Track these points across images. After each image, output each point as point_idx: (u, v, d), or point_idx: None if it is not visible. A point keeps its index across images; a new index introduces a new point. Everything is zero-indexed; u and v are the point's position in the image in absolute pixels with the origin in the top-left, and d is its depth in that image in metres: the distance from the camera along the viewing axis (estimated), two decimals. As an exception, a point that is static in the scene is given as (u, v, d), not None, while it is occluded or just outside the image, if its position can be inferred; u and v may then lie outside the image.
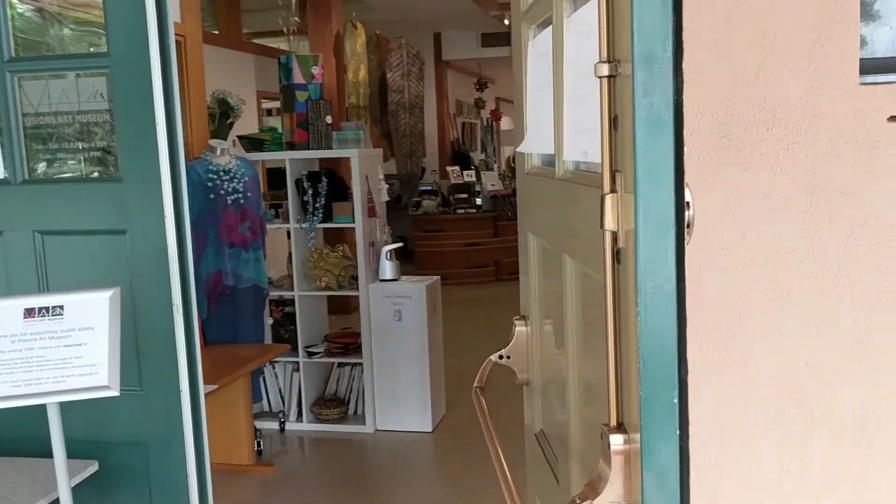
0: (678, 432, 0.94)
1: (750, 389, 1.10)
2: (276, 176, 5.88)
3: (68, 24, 3.51)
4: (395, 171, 9.07)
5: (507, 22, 9.61)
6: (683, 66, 0.92)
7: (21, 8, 3.46)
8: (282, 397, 4.59)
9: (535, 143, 1.62)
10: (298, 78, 4.38)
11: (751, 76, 1.07)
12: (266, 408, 4.59)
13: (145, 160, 2.06)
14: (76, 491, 1.86)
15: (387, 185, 4.57)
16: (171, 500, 2.15)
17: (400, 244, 4.51)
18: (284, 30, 5.10)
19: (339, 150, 4.35)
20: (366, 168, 4.37)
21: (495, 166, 13.95)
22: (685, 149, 0.93)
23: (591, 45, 1.23)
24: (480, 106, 12.51)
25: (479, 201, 9.29)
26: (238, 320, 4.15)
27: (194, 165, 3.90)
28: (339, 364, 4.59)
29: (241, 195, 4.05)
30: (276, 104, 10.48)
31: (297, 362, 4.49)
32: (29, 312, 1.72)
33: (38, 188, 2.19)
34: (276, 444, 4.38)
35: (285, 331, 4.66)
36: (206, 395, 2.26)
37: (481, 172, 9.73)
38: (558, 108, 1.35)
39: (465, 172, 9.58)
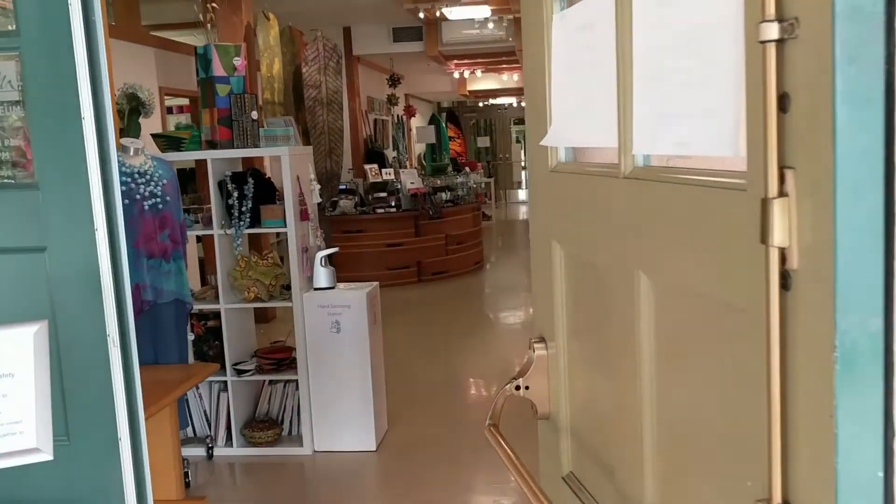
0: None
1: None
2: (183, 178, 5.44)
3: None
4: (313, 170, 8.68)
5: (421, 15, 9.36)
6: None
7: None
8: (208, 421, 4.19)
9: (567, 134, 1.36)
10: (219, 70, 3.99)
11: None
12: (191, 433, 4.18)
13: (68, 161, 1.69)
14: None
15: (318, 186, 4.23)
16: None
17: (335, 249, 4.18)
18: (201, 17, 4.68)
19: (268, 148, 3.98)
20: (297, 167, 4.02)
21: (406, 163, 13.70)
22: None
23: (685, 7, 0.98)
24: (394, 102, 12.22)
25: (394, 201, 9.00)
26: (159, 339, 3.73)
27: (105, 167, 3.46)
28: (270, 382, 4.23)
29: (159, 199, 3.63)
30: (182, 101, 9.91)
31: (225, 381, 4.11)
32: (-73, 358, 1.35)
33: (-71, 198, 1.79)
34: (204, 472, 3.98)
35: (209, 347, 4.26)
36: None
37: (400, 170, 9.44)
38: (625, 91, 1.10)
39: (383, 171, 9.27)
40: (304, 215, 4.04)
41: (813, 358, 0.72)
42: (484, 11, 9.42)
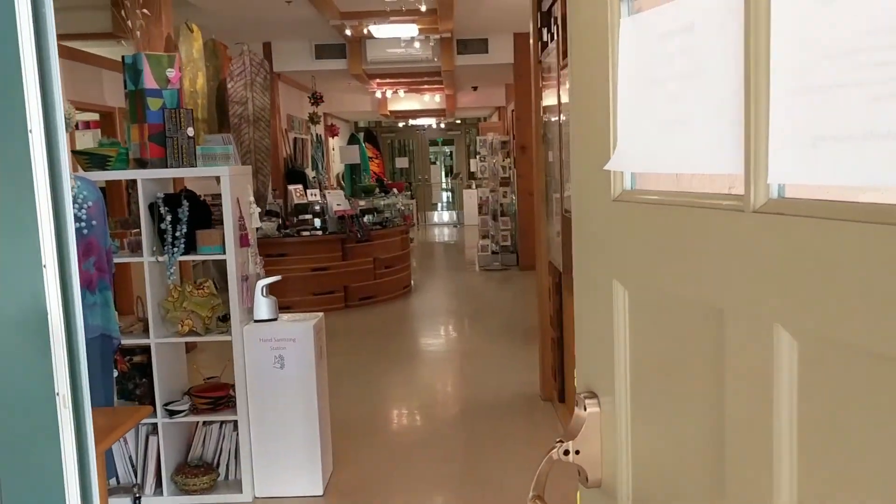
0: None
1: None
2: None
3: None
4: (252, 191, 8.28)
5: (348, 32, 9.12)
6: None
7: None
8: (134, 467, 3.79)
9: (643, 158, 1.17)
10: (150, 82, 3.64)
11: None
12: (114, 483, 3.77)
13: (10, 182, 1.39)
14: None
15: (258, 209, 3.92)
16: None
17: (277, 277, 3.88)
18: (129, 24, 4.31)
19: (207, 167, 3.66)
20: (236, 189, 3.71)
21: (326, 184, 13.38)
22: None
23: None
24: (315, 121, 11.89)
25: (318, 222, 8.68)
26: (81, 379, 3.34)
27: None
28: (205, 422, 3.87)
29: (83, 224, 3.26)
30: (91, 116, 9.32)
31: (155, 423, 3.73)
32: None
33: None
34: (131, 526, 3.59)
35: (135, 385, 3.88)
36: None
37: (326, 191, 9.13)
38: (756, 107, 0.90)
39: (308, 191, 8.93)
40: (244, 241, 3.73)
41: None
42: (411, 30, 9.26)
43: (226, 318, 3.79)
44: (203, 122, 6.46)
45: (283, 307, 8.64)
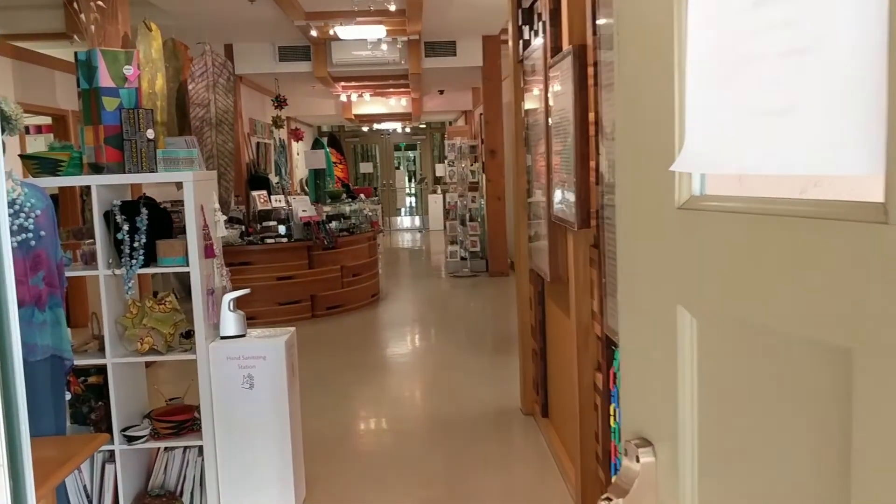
0: None
1: None
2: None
3: None
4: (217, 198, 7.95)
5: (313, 33, 8.85)
6: None
7: None
8: (89, 498, 3.49)
9: (728, 156, 0.95)
10: (106, 80, 3.36)
11: None
12: (68, 515, 3.47)
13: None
14: None
15: (224, 217, 3.65)
16: None
17: (246, 290, 3.61)
18: (82, 18, 4.00)
19: (168, 172, 3.38)
20: (201, 195, 3.44)
21: (290, 189, 13.06)
22: None
23: None
24: (279, 125, 11.57)
25: (283, 229, 8.38)
26: (30, 405, 3.03)
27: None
28: (166, 448, 3.58)
29: (31, 235, 2.96)
30: (44, 120, 8.91)
31: (112, 451, 3.43)
32: None
33: None
34: (86, 565, 3.29)
35: (90, 408, 3.58)
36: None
37: (291, 197, 8.83)
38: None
39: (272, 197, 8.63)
40: (209, 251, 3.45)
41: None
42: (379, 32, 9.01)
43: (189, 335, 3.52)
44: (162, 125, 6.13)
45: (247, 317, 8.30)
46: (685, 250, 1.02)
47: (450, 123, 18.84)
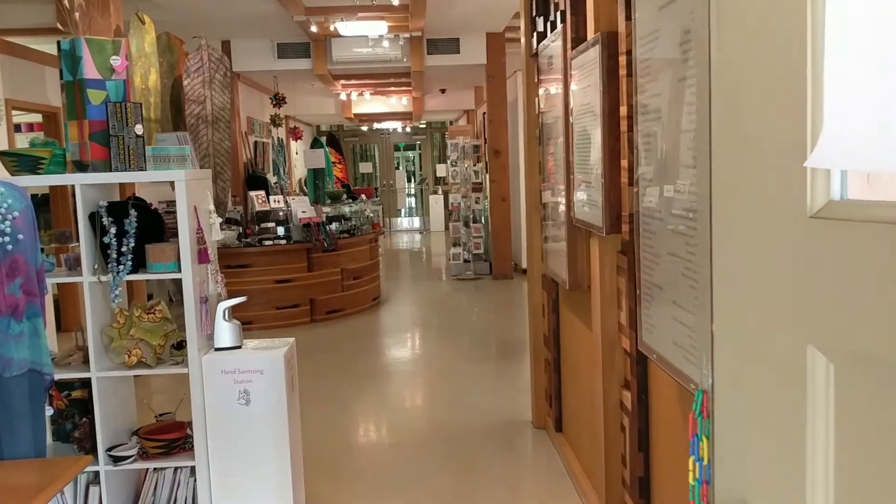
0: None
1: None
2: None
3: None
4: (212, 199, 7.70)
5: (314, 29, 8.61)
6: None
7: None
8: (72, 522, 3.24)
9: (884, 146, 0.70)
10: (91, 71, 3.10)
11: None
12: (49, 540, 3.21)
13: None
14: None
15: (220, 219, 3.40)
16: None
17: (242, 299, 3.35)
18: (65, 3, 3.75)
19: (159, 170, 3.13)
20: (194, 196, 3.19)
21: (288, 189, 12.83)
22: None
23: None
24: (277, 123, 11.32)
25: (281, 231, 8.13)
26: (6, 424, 2.78)
27: (-71, 195, 2.53)
28: (156, 468, 3.32)
29: (7, 238, 2.71)
30: (34, 118, 8.66)
31: (97, 472, 3.18)
32: None
33: None
34: None
35: (73, 425, 3.32)
36: None
37: (289, 198, 8.58)
38: None
39: (271, 198, 8.38)
40: (202, 256, 3.20)
41: None
42: (380, 28, 8.76)
43: (181, 346, 3.26)
44: (156, 123, 5.88)
45: (243, 322, 8.05)
46: (820, 273, 0.77)
47: (450, 123, 18.59)
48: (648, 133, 2.16)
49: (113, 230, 3.11)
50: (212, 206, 3.39)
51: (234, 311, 3.34)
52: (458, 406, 5.16)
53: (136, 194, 3.99)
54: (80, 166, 3.15)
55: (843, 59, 0.73)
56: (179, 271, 3.11)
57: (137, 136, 3.12)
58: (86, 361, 3.19)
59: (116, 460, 3.17)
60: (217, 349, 3.25)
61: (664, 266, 2.08)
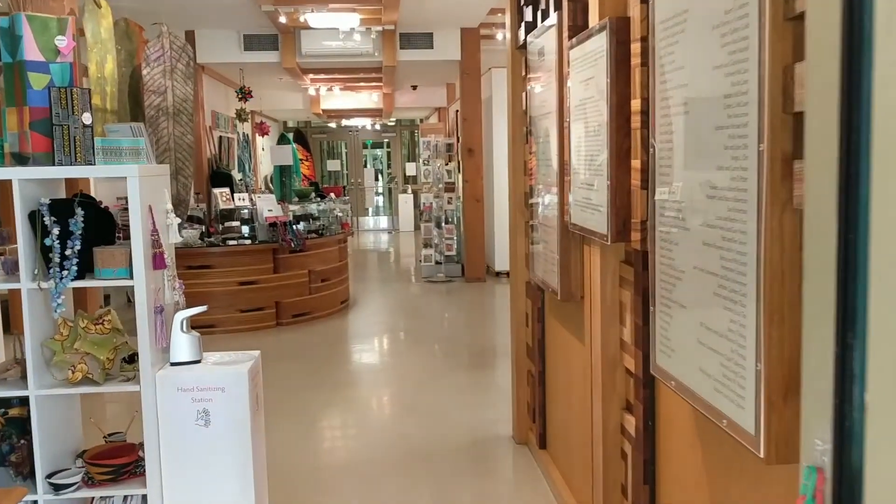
0: None
1: None
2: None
3: None
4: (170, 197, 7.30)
5: (282, 20, 8.26)
6: None
7: None
8: (7, 556, 2.89)
9: None
10: (33, 52, 2.76)
11: None
12: (-20, 579, 2.86)
13: None
14: None
15: (177, 220, 3.07)
16: None
17: (202, 308, 3.03)
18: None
19: (108, 165, 2.79)
20: (149, 194, 2.86)
21: (254, 187, 12.45)
22: None
23: None
24: (243, 118, 10.92)
25: (247, 230, 7.77)
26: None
27: None
28: (103, 497, 2.99)
29: (-70, 240, 2.37)
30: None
31: (35, 501, 2.84)
32: None
33: None
34: None
35: (10, 447, 2.97)
36: None
37: (255, 195, 8.21)
38: None
39: (235, 195, 8.01)
40: (158, 261, 2.87)
41: None
42: (352, 20, 8.44)
43: (134, 360, 2.93)
44: (113, 114, 5.50)
45: (205, 326, 7.67)
46: None
47: (421, 121, 18.29)
48: (670, 129, 1.90)
49: (56, 231, 2.77)
50: (169, 206, 3.06)
51: (195, 322, 3.01)
52: (432, 419, 4.87)
53: (94, 192, 3.64)
54: (20, 159, 2.80)
55: None
56: (131, 278, 2.78)
57: (85, 125, 2.78)
58: (24, 376, 2.85)
59: (58, 488, 2.83)
60: (173, 364, 2.92)
61: (689, 282, 1.81)
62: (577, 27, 2.82)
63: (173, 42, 5.94)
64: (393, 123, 19.75)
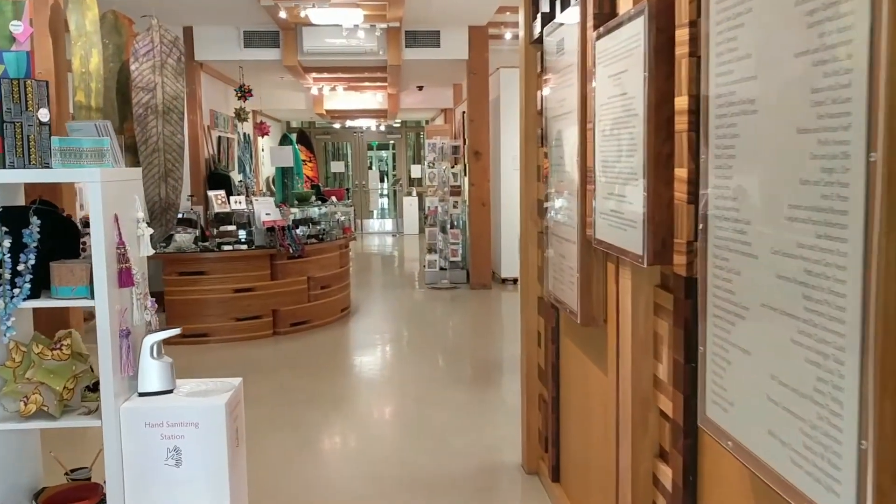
0: None
1: None
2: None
3: None
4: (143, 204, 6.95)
5: (283, 15, 7.92)
6: None
7: None
8: None
9: None
10: (-18, 38, 2.43)
11: None
12: None
13: None
14: None
15: (150, 230, 2.72)
16: None
17: (175, 330, 2.68)
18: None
19: (67, 168, 2.45)
20: (115, 201, 2.52)
21: (255, 189, 12.11)
22: None
23: None
24: (243, 118, 10.59)
25: (243, 235, 7.42)
26: None
27: None
28: (65, 539, 2.64)
29: None
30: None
31: (-18, 550, 2.50)
32: None
33: None
34: None
35: (-40, 485, 2.63)
36: None
37: (253, 198, 7.87)
38: None
39: (231, 198, 7.67)
40: (124, 278, 2.53)
41: None
42: (356, 17, 8.10)
43: (96, 389, 2.59)
44: (98, 112, 5.17)
45: (199, 336, 7.26)
46: None
47: (427, 122, 17.95)
48: (730, 133, 1.54)
49: (7, 243, 2.43)
50: (141, 214, 2.72)
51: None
52: (434, 443, 4.52)
53: (74, 197, 3.29)
54: (-33, 160, 2.46)
55: None
56: (92, 297, 2.44)
57: (41, 123, 2.44)
58: (-27, 408, 2.51)
59: (7, 537, 2.49)
60: (141, 394, 2.58)
61: (756, 322, 1.46)
62: (604, 15, 2.47)
63: (163, 36, 5.60)
64: (398, 125, 19.41)
